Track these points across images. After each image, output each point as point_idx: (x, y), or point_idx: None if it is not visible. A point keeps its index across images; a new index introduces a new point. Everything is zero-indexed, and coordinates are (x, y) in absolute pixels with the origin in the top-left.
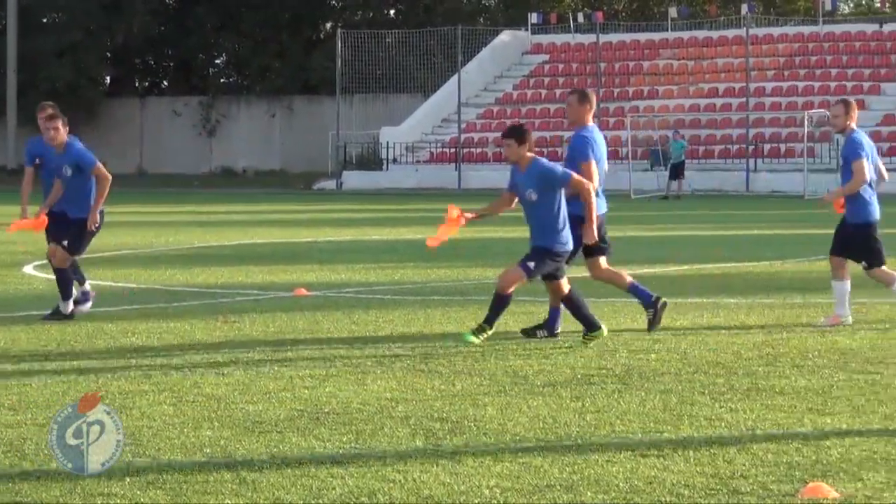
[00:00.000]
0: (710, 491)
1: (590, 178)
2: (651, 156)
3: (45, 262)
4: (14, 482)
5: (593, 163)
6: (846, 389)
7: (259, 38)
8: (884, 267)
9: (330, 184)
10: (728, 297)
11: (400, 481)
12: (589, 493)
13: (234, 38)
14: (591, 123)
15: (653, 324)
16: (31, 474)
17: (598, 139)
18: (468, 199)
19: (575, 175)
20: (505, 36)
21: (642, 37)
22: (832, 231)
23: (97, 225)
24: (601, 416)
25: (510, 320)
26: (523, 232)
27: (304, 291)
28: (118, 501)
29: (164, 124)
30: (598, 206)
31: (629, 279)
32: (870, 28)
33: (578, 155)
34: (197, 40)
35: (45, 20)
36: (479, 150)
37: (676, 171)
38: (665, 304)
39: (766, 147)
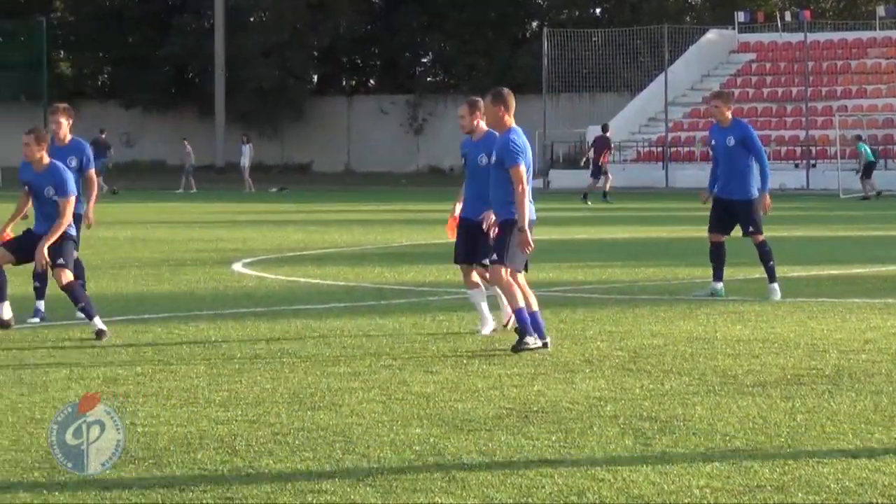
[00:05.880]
0: None
1: None
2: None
3: (254, 259)
4: (225, 479)
5: None
6: None
7: (465, 36)
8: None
9: (536, 182)
10: None
11: (609, 480)
12: (800, 495)
13: (440, 37)
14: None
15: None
16: (241, 470)
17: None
18: (676, 198)
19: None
20: (712, 35)
21: (850, 35)
22: None
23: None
24: (811, 416)
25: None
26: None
27: None
28: (329, 498)
29: (370, 123)
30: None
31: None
32: None
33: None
34: (404, 39)
35: (251, 19)
36: (686, 149)
37: (869, 171)
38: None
39: None
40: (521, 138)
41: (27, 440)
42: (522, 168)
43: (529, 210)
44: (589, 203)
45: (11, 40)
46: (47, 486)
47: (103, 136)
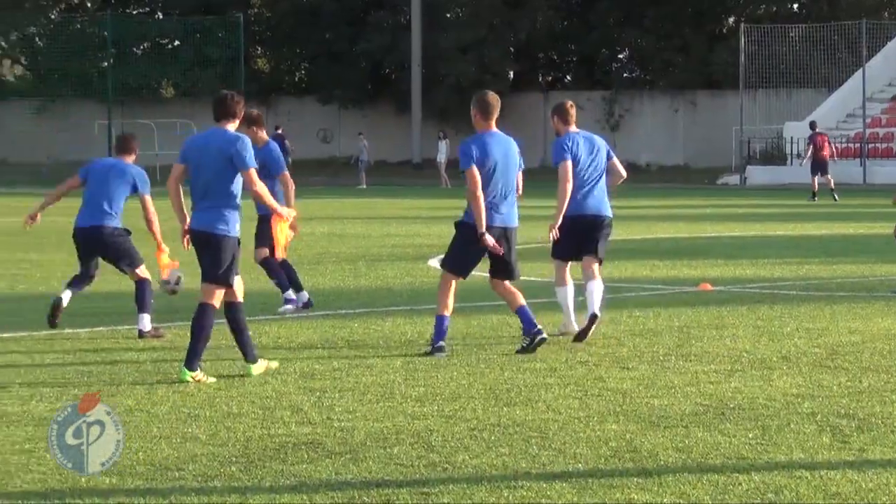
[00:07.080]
0: None
1: None
2: None
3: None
4: (421, 474)
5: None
6: None
7: (662, 32)
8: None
9: (733, 179)
10: None
11: (807, 478)
12: None
13: (636, 33)
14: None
15: (525, 350)
16: (437, 465)
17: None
18: (874, 194)
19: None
20: None
21: None
22: None
23: None
24: None
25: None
26: None
27: (708, 286)
28: (524, 494)
29: None
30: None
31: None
32: None
33: None
34: (600, 35)
35: (448, 16)
36: (884, 145)
37: None
38: (543, 340)
39: None
40: (480, 141)
41: (224, 434)
42: (473, 171)
43: (513, 215)
44: (836, 199)
45: (210, 37)
46: (245, 481)
47: (279, 131)
